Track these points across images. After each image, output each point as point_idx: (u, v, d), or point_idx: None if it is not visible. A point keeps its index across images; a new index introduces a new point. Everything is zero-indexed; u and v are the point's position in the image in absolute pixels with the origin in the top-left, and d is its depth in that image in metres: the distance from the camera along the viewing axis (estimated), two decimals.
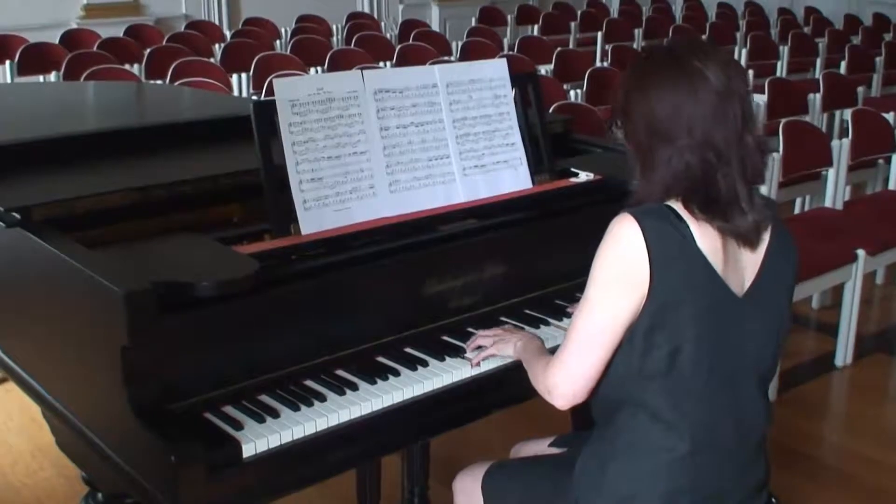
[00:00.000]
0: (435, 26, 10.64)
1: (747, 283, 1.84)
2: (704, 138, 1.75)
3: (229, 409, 1.87)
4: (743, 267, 1.84)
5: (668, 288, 1.74)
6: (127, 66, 6.71)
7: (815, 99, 6.46)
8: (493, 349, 2.10)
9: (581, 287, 1.85)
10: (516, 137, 2.45)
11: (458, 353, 2.13)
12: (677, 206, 1.78)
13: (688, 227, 1.77)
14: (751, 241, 1.82)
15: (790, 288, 1.96)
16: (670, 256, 1.75)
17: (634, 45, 9.24)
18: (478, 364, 2.09)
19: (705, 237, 1.78)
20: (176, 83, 5.67)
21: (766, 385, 1.92)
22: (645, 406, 1.81)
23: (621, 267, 1.76)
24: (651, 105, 1.78)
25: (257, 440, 1.78)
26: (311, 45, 7.74)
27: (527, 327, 2.25)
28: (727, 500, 1.87)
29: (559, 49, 7.69)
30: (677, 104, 1.76)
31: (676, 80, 1.77)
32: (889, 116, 5.35)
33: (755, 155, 1.80)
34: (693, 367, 1.78)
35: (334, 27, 9.25)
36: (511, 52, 7.81)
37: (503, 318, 2.29)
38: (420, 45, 7.90)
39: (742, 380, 1.85)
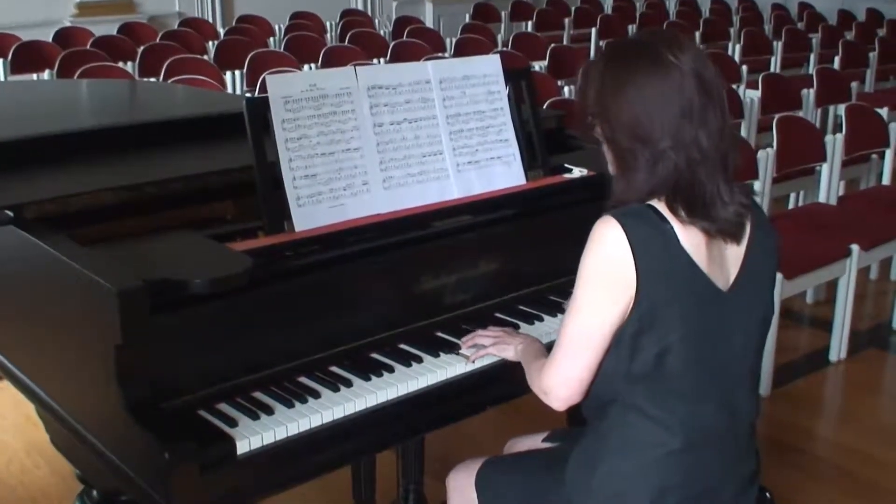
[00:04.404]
0: (429, 23, 10.63)
1: (732, 278, 1.84)
2: (689, 138, 1.73)
3: (223, 407, 1.87)
4: (727, 262, 1.83)
5: (654, 289, 1.74)
6: (120, 64, 6.70)
7: (809, 94, 6.47)
8: (492, 349, 2.10)
9: (574, 283, 1.85)
10: (510, 133, 2.45)
11: (452, 349, 2.13)
12: (660, 205, 1.77)
13: (671, 226, 1.76)
14: (735, 235, 1.82)
15: (773, 277, 1.96)
16: (655, 258, 1.74)
17: None
18: (473, 361, 2.09)
19: (689, 235, 1.77)
20: (169, 81, 5.66)
21: (755, 377, 1.93)
22: (634, 405, 1.81)
23: (606, 270, 1.75)
24: (630, 105, 1.75)
25: (251, 437, 1.78)
26: (305, 43, 7.73)
27: (521, 324, 2.26)
28: (719, 495, 1.87)
29: (553, 45, 7.69)
30: (657, 104, 1.73)
31: (652, 78, 1.74)
32: (882, 112, 5.36)
33: (733, 149, 1.80)
34: (681, 367, 1.78)
35: (328, 24, 9.24)
36: (505, 49, 7.80)
37: (498, 315, 2.29)
38: (414, 42, 7.90)
39: (730, 374, 1.85)
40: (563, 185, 2.51)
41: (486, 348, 2.11)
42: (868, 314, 4.92)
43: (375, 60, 7.36)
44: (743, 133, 5.89)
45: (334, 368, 2.03)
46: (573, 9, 10.63)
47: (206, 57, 7.14)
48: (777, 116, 4.82)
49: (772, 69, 8.08)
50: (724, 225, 1.78)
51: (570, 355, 1.83)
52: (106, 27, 8.22)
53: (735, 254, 1.84)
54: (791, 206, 5.65)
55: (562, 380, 1.84)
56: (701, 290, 1.78)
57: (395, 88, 2.27)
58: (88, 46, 7.20)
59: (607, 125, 1.81)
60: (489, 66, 2.46)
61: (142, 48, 7.07)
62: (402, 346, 2.13)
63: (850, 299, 4.25)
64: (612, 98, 1.78)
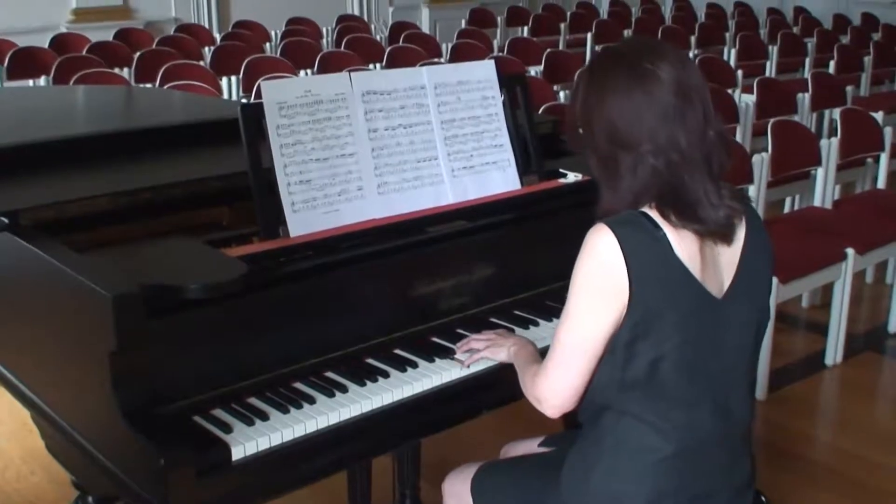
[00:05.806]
0: (425, 28, 10.64)
1: (726, 284, 1.84)
2: (667, 141, 1.74)
3: (218, 412, 1.87)
4: (721, 268, 1.83)
5: (648, 297, 1.74)
6: (116, 70, 6.71)
7: (804, 98, 6.47)
8: (486, 352, 2.11)
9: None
10: (504, 139, 2.46)
11: (447, 354, 2.13)
12: (652, 212, 1.78)
13: (664, 233, 1.76)
14: (726, 236, 1.82)
15: (768, 280, 1.97)
16: (648, 265, 1.74)
17: None
18: (468, 366, 2.09)
19: (682, 242, 1.77)
20: (165, 86, 5.67)
21: (750, 382, 1.93)
22: (628, 411, 1.81)
23: (599, 278, 1.76)
24: (609, 113, 1.77)
25: (246, 443, 1.78)
26: (301, 48, 7.74)
27: (517, 328, 2.26)
28: (714, 499, 1.88)
29: (549, 50, 7.70)
30: (634, 110, 1.75)
31: (629, 85, 1.76)
32: (878, 116, 5.37)
33: (719, 149, 1.81)
34: (675, 374, 1.78)
35: (324, 29, 9.25)
36: (501, 54, 7.82)
37: (493, 320, 2.29)
38: (410, 47, 7.91)
39: (725, 379, 1.85)
40: (558, 190, 2.52)
41: (479, 352, 2.11)
42: (864, 318, 4.92)
43: (372, 66, 7.36)
44: (738, 137, 5.90)
45: (329, 374, 2.03)
46: (569, 14, 10.67)
47: (202, 63, 7.15)
48: (772, 121, 4.82)
49: (767, 73, 8.09)
50: (713, 227, 1.79)
51: (563, 364, 1.83)
52: (102, 33, 8.23)
53: (729, 259, 1.84)
54: (786, 210, 5.65)
55: (554, 388, 1.85)
56: (695, 297, 1.78)
57: (389, 94, 2.27)
58: (84, 52, 7.21)
59: (591, 134, 1.82)
60: (484, 71, 2.46)
61: (138, 54, 7.08)
62: (398, 351, 2.13)
63: (845, 303, 4.26)
64: (593, 108, 1.81)
